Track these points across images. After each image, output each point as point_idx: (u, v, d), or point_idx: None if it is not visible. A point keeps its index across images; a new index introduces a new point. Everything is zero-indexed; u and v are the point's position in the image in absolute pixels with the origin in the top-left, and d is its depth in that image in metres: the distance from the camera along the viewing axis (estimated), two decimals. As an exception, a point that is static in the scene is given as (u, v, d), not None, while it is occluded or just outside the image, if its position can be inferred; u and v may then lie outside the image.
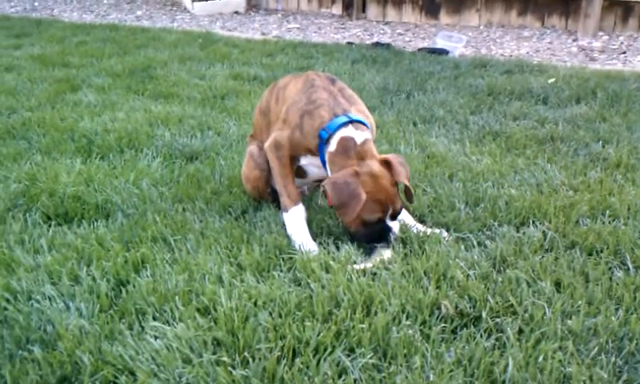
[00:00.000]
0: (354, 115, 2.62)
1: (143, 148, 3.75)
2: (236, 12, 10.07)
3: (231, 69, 5.99)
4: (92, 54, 6.68)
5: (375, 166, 2.49)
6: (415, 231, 2.62)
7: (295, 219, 2.67)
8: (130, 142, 3.85)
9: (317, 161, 2.69)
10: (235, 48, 7.01)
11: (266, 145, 2.75)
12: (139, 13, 10.37)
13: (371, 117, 2.80)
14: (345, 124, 2.56)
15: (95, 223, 2.83)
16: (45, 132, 4.07)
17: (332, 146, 2.56)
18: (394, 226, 2.56)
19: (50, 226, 2.82)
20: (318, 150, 2.62)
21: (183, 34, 7.94)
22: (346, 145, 2.53)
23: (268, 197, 2.97)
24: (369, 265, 2.40)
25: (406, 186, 2.56)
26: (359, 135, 2.56)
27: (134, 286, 2.30)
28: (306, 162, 2.75)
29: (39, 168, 3.41)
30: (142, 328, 2.09)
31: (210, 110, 4.60)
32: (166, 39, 7.54)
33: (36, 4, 11.74)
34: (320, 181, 2.97)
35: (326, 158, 2.58)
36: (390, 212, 2.52)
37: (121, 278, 2.37)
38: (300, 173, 2.84)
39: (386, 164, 2.53)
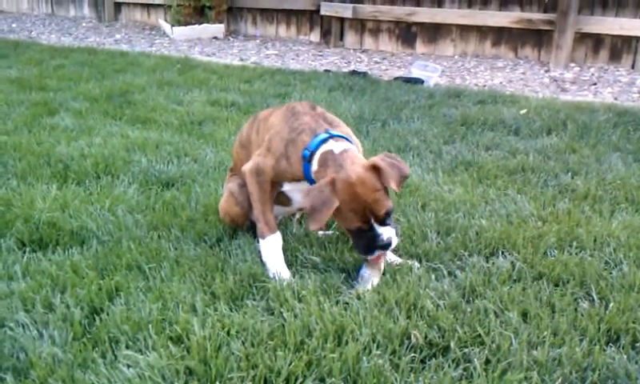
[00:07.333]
0: (335, 131, 2.64)
1: (119, 174, 3.77)
2: (215, 37, 10.14)
3: (209, 95, 6.03)
4: (70, 78, 6.69)
5: (354, 174, 2.43)
6: (387, 261, 2.67)
7: (272, 247, 2.68)
8: (107, 167, 3.86)
9: (302, 186, 2.68)
10: (213, 74, 7.05)
11: (247, 168, 2.73)
12: (118, 36, 10.40)
13: (356, 139, 2.79)
14: (325, 140, 2.57)
15: (70, 250, 2.84)
16: (21, 156, 4.06)
17: (314, 165, 2.55)
18: (385, 231, 2.48)
19: (24, 252, 2.82)
20: (305, 173, 2.61)
21: (162, 59, 7.97)
22: (325, 158, 2.52)
23: (245, 227, 3.00)
24: (360, 289, 2.45)
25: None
26: (338, 146, 2.54)
27: (107, 314, 2.31)
28: (290, 188, 2.76)
29: (14, 193, 3.41)
30: (115, 357, 2.10)
31: (187, 136, 4.64)
32: (144, 64, 7.57)
33: (14, 25, 11.73)
34: (304, 208, 3.01)
35: (313, 177, 2.57)
36: (371, 220, 2.46)
37: (95, 306, 2.38)
38: (284, 200, 2.85)
39: (374, 168, 2.46)
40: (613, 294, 2.47)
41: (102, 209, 3.24)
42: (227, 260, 2.72)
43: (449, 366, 2.05)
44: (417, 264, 2.69)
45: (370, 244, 2.51)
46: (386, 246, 2.51)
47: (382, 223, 2.49)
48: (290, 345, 2.11)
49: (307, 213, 2.45)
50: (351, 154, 2.54)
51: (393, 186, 2.45)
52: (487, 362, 2.08)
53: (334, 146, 2.55)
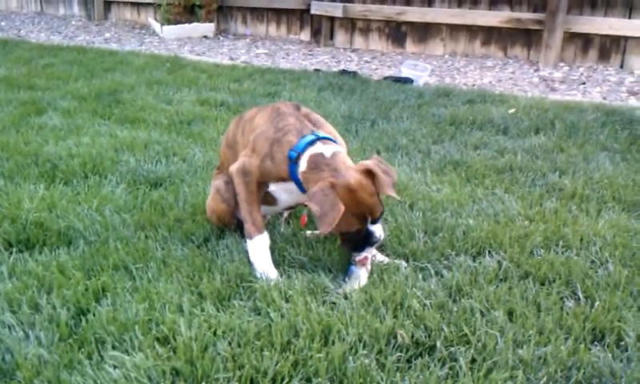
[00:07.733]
0: (321, 133, 2.65)
1: (107, 174, 3.75)
2: (205, 36, 10.12)
3: (198, 94, 6.02)
4: (59, 77, 6.66)
5: (352, 178, 2.46)
6: (375, 261, 2.68)
7: (259, 247, 2.69)
8: (95, 167, 3.85)
9: (288, 186, 2.69)
10: (203, 73, 7.04)
11: (233, 168, 2.74)
12: (108, 35, 10.37)
13: (341, 138, 2.81)
14: (312, 142, 2.57)
15: (57, 250, 2.83)
16: (8, 156, 4.04)
17: (302, 165, 2.55)
18: (376, 229, 2.54)
19: (11, 252, 2.81)
20: (290, 174, 2.62)
21: (151, 58, 7.95)
22: (316, 160, 2.53)
23: (233, 226, 3.00)
24: (347, 289, 2.46)
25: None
26: (328, 149, 2.56)
27: (94, 315, 2.30)
28: (276, 188, 2.76)
29: (1, 193, 3.39)
30: (101, 357, 2.10)
31: (176, 136, 4.62)
32: (133, 63, 7.54)
33: (2, 24, 11.67)
34: (291, 208, 3.01)
35: (300, 177, 2.58)
36: (368, 221, 2.51)
37: (81, 307, 2.37)
38: (270, 200, 2.84)
39: (369, 173, 2.51)
40: (598, 292, 2.48)
41: (90, 209, 3.23)
42: (214, 260, 2.72)
43: (435, 365, 2.06)
44: (404, 263, 2.70)
45: (362, 242, 2.55)
46: (375, 242, 2.56)
47: (374, 223, 2.54)
48: (277, 345, 2.12)
49: (317, 217, 2.42)
50: (342, 158, 2.57)
51: (390, 192, 2.49)
52: (473, 361, 2.09)
53: (323, 148, 2.57)
